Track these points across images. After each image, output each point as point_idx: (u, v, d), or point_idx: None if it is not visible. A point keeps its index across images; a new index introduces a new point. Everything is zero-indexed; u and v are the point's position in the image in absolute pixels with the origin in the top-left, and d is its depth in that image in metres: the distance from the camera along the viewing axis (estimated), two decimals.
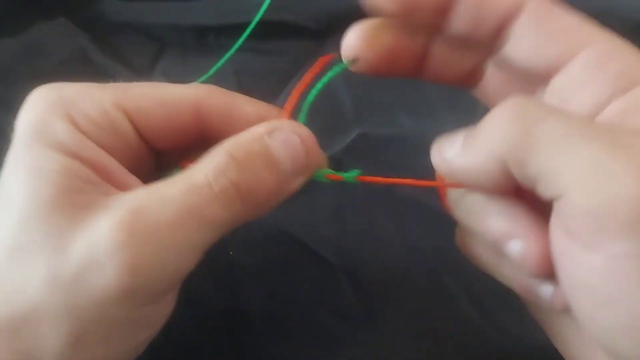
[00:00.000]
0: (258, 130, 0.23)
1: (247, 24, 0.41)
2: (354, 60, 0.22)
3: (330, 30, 0.42)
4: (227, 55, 0.41)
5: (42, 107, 0.23)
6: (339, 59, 0.24)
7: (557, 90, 0.22)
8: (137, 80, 0.41)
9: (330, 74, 0.22)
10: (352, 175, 0.25)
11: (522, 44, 0.22)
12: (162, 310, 0.23)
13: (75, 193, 0.21)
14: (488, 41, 0.23)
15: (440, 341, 0.32)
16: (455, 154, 0.21)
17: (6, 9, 0.43)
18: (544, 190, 0.19)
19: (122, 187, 0.22)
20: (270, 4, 0.42)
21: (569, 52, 0.21)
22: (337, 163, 0.37)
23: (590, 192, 0.17)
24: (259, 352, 0.32)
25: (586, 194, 0.18)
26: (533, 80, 0.23)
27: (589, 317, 0.19)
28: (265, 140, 0.23)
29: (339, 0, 0.42)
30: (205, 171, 0.22)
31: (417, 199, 0.36)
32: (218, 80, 0.41)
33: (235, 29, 0.42)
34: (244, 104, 0.25)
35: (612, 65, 0.21)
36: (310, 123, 0.39)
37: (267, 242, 0.35)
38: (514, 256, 0.21)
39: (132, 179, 0.23)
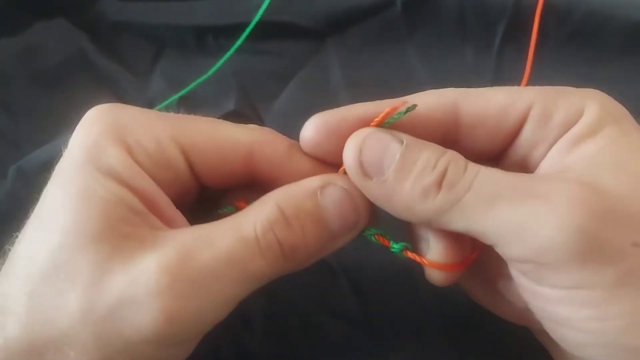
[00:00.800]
0: (311, 184, 0.23)
1: (246, 25, 0.42)
2: (413, 106, 0.23)
3: (329, 31, 0.42)
4: (226, 56, 0.41)
5: (98, 129, 0.22)
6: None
7: (518, 154, 0.24)
8: (137, 82, 0.41)
9: (392, 120, 0.23)
10: (399, 247, 0.25)
11: (475, 138, 0.24)
12: (186, 351, 0.23)
13: (123, 223, 0.21)
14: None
15: (439, 342, 0.32)
16: (378, 173, 0.22)
17: (5, 10, 0.43)
18: (476, 238, 0.21)
19: (168, 222, 0.22)
20: (269, 5, 0.42)
21: (516, 121, 0.23)
22: None
23: (517, 245, 0.20)
24: (258, 354, 0.32)
25: (513, 247, 0.20)
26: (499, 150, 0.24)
27: (556, 337, 0.22)
28: (317, 198, 0.23)
29: (339, 1, 0.42)
30: (254, 224, 0.21)
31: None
32: (217, 80, 0.41)
33: (235, 30, 0.42)
34: (299, 158, 0.25)
35: (555, 116, 0.22)
36: None
37: None
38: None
39: (179, 215, 0.23)
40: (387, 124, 0.23)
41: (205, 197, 0.26)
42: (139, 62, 0.43)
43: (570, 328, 0.20)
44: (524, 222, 0.20)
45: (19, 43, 0.43)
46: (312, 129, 0.24)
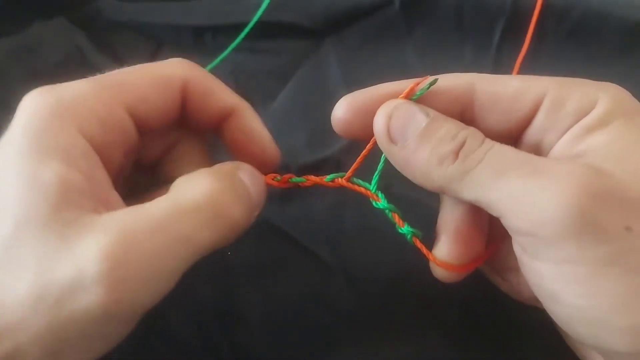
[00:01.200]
0: (231, 165, 0.26)
1: (244, 24, 0.42)
2: (434, 81, 0.25)
3: (327, 29, 0.42)
4: (223, 54, 0.41)
5: (43, 111, 0.23)
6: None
7: (532, 139, 0.25)
8: None
9: (419, 93, 0.25)
10: (409, 231, 0.27)
11: (489, 119, 0.25)
12: (133, 324, 0.23)
13: (68, 207, 0.21)
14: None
15: (436, 339, 0.32)
16: (402, 139, 0.24)
17: (3, 8, 0.43)
18: (485, 208, 0.23)
19: (106, 203, 0.23)
20: (269, 5, 0.42)
21: (530, 106, 0.24)
22: (335, 163, 0.37)
23: (520, 216, 0.21)
24: (254, 352, 0.32)
25: (517, 218, 0.22)
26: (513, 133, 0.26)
27: (552, 314, 0.23)
28: (239, 174, 0.25)
29: (338, 1, 0.42)
30: (194, 196, 0.23)
31: (415, 197, 0.36)
32: None
33: (233, 29, 0.42)
34: (222, 90, 0.27)
35: (568, 105, 0.23)
36: (308, 123, 0.39)
37: (263, 241, 0.35)
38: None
39: (115, 195, 0.24)
40: (414, 98, 0.25)
41: (140, 169, 0.28)
42: (137, 61, 0.42)
43: (561, 304, 0.22)
44: (526, 195, 0.21)
45: (18, 41, 0.42)
46: (343, 108, 0.26)
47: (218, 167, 0.25)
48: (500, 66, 0.40)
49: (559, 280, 0.21)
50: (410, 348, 0.32)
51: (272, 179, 0.29)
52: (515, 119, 0.25)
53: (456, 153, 0.23)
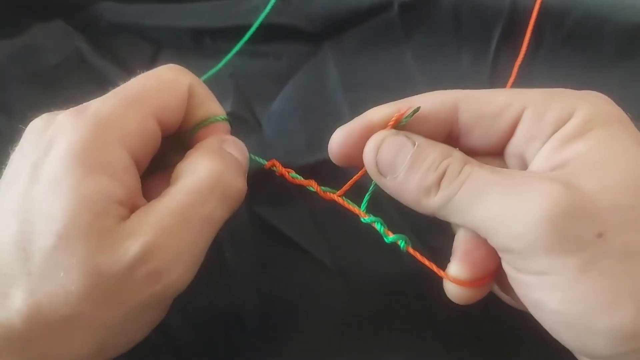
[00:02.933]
0: (216, 141, 0.28)
1: (243, 27, 0.42)
2: (417, 109, 0.26)
3: (326, 33, 0.42)
4: (226, 58, 0.41)
5: (85, 129, 0.24)
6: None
7: (515, 151, 0.26)
8: None
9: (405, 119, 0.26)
10: (396, 238, 0.28)
11: (474, 135, 0.26)
12: (169, 307, 0.27)
13: (108, 217, 0.23)
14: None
15: (434, 343, 0.32)
16: (391, 171, 0.25)
17: (3, 11, 0.43)
18: (474, 230, 0.24)
19: (136, 208, 0.25)
20: (271, 7, 0.42)
21: (512, 120, 0.25)
22: (333, 166, 0.37)
23: (499, 234, 0.23)
24: (252, 354, 0.32)
25: (497, 236, 0.23)
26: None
27: (539, 320, 0.24)
28: (227, 149, 0.28)
29: (335, 4, 0.42)
30: (201, 180, 0.26)
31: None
32: (215, 82, 0.41)
33: (232, 32, 0.42)
34: (212, 100, 0.30)
35: (547, 115, 0.24)
36: (306, 125, 0.39)
37: (260, 243, 0.35)
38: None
39: (143, 199, 0.26)
40: (401, 125, 0.26)
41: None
42: (136, 64, 0.42)
43: (544, 312, 0.23)
44: (502, 214, 0.22)
45: (16, 44, 0.43)
46: (337, 142, 0.27)
47: (206, 146, 0.28)
48: (498, 70, 0.40)
49: (540, 289, 0.22)
50: (407, 353, 0.32)
51: (271, 167, 0.31)
52: (498, 133, 0.26)
53: (438, 183, 0.24)
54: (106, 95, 0.27)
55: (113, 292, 0.23)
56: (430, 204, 0.24)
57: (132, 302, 0.23)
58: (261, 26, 0.42)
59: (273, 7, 0.42)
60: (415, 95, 0.27)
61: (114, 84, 0.41)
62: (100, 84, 0.41)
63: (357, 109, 0.39)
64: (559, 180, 0.22)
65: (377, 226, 0.28)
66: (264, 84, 0.41)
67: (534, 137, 0.25)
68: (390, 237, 0.28)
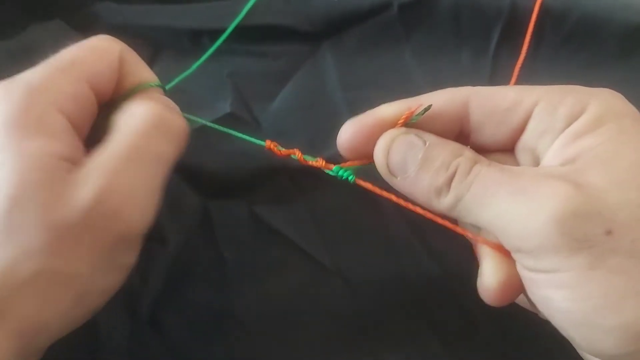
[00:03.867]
0: (147, 92, 0.29)
1: (242, 27, 0.42)
2: (429, 107, 0.26)
3: (325, 33, 0.42)
4: (204, 57, 0.41)
5: (19, 97, 0.25)
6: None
7: (526, 146, 0.26)
8: None
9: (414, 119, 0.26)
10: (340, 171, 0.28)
11: (485, 131, 0.27)
12: (139, 249, 0.27)
13: (58, 171, 0.23)
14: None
15: (432, 343, 0.32)
16: (402, 171, 0.26)
17: (0, 11, 0.43)
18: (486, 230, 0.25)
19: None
20: (266, 8, 0.42)
21: (523, 116, 0.25)
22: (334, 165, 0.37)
23: (509, 235, 0.23)
24: (251, 355, 0.32)
25: (506, 236, 0.23)
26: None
27: (549, 318, 0.24)
28: (159, 95, 0.29)
29: (335, 4, 0.42)
30: (143, 119, 0.26)
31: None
32: (213, 82, 0.41)
33: (231, 32, 0.42)
34: (143, 64, 0.31)
35: (559, 111, 0.24)
36: (306, 126, 0.39)
37: (260, 244, 0.35)
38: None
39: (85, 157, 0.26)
40: (411, 123, 0.26)
41: None
42: None
43: (553, 310, 0.23)
44: (511, 215, 0.23)
45: (14, 44, 0.42)
46: (346, 135, 0.27)
47: (139, 96, 0.28)
48: (498, 70, 0.40)
49: (548, 287, 0.23)
50: (407, 352, 0.32)
51: (275, 147, 0.31)
52: (510, 128, 0.26)
53: (448, 184, 0.24)
54: (37, 66, 0.27)
55: (75, 241, 0.23)
56: (441, 204, 0.25)
57: (97, 247, 0.23)
58: (260, 26, 0.42)
59: (272, 7, 0.42)
60: (426, 94, 0.27)
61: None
62: None
63: (356, 109, 0.39)
64: (568, 178, 0.23)
65: (340, 172, 0.28)
66: (262, 84, 0.41)
67: (545, 132, 0.25)
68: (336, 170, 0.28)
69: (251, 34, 0.42)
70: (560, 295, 0.22)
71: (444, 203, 0.25)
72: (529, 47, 0.39)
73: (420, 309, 0.33)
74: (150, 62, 0.43)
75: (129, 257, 0.26)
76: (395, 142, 0.26)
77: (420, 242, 0.35)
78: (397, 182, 0.26)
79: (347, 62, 0.42)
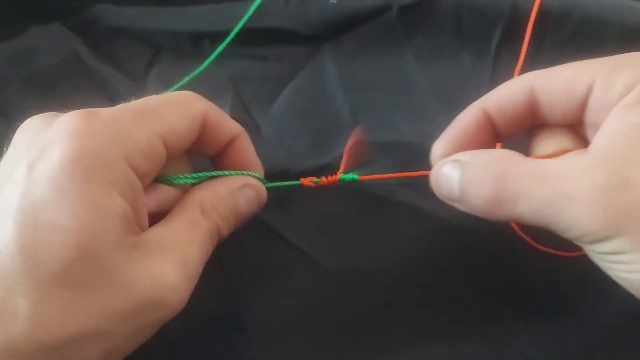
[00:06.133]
0: (234, 185, 0.30)
1: (243, 30, 0.42)
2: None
3: (325, 36, 0.42)
4: (208, 60, 0.41)
5: (92, 136, 0.23)
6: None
7: (590, 120, 0.27)
8: (132, 86, 0.41)
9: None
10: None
11: (552, 112, 0.28)
12: None
13: (128, 234, 0.23)
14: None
15: (435, 347, 0.32)
16: (454, 198, 0.27)
17: (0, 14, 0.43)
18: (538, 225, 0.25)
19: (144, 227, 0.25)
20: (265, 11, 0.42)
21: (584, 92, 0.26)
22: (335, 169, 0.37)
23: (567, 232, 0.24)
24: (252, 358, 0.32)
25: (566, 234, 0.25)
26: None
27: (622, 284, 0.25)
28: (236, 196, 0.29)
29: (335, 7, 0.42)
30: (207, 221, 0.27)
31: (413, 205, 0.36)
32: (213, 86, 0.41)
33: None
34: (229, 120, 0.31)
35: (615, 85, 0.25)
36: (307, 129, 0.39)
37: (261, 247, 0.35)
38: None
39: (146, 219, 0.26)
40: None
41: None
42: (134, 67, 0.43)
43: (634, 289, 0.24)
44: (565, 216, 0.23)
45: (14, 47, 0.42)
46: (439, 153, 0.29)
47: (218, 187, 0.29)
48: (499, 72, 0.40)
49: (613, 262, 0.24)
50: (410, 353, 0.32)
51: (311, 182, 0.32)
52: (574, 105, 0.27)
53: (493, 196, 0.25)
54: (117, 106, 0.26)
55: (121, 319, 0.23)
56: (495, 216, 0.26)
57: (137, 326, 0.24)
58: (260, 29, 0.42)
59: (272, 10, 0.42)
60: (491, 90, 0.29)
61: (111, 87, 0.41)
62: (98, 87, 0.41)
63: (357, 112, 0.39)
64: (603, 162, 0.23)
65: (346, 178, 0.31)
66: (263, 87, 0.41)
67: (603, 107, 0.25)
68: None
69: (251, 37, 0.42)
70: (634, 275, 0.23)
71: (497, 215, 0.26)
72: (530, 48, 0.39)
73: (421, 310, 0.33)
74: (150, 64, 0.43)
75: (158, 327, 0.26)
76: (437, 178, 0.28)
77: (422, 244, 0.35)
78: (458, 207, 0.27)
79: (347, 64, 0.42)
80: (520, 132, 0.30)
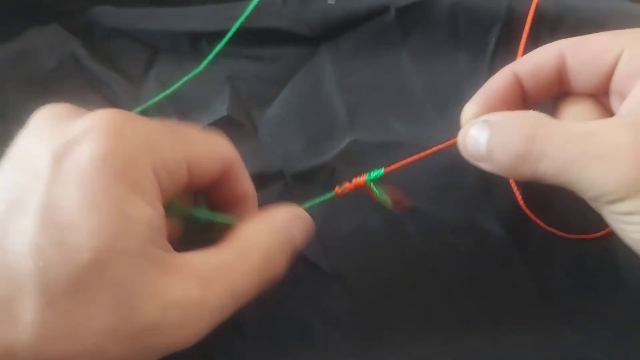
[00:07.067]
0: (285, 217, 0.28)
1: (240, 31, 0.42)
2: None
3: (323, 37, 0.42)
4: (205, 61, 0.41)
5: (129, 141, 0.22)
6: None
7: (616, 89, 0.27)
8: (130, 87, 0.41)
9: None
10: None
11: (580, 78, 0.28)
12: None
13: (150, 246, 0.22)
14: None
15: (433, 348, 0.32)
16: (481, 157, 0.27)
17: None
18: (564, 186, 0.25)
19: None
20: (265, 11, 0.42)
21: (613, 61, 0.27)
22: (330, 171, 0.37)
23: (586, 192, 0.25)
24: None
25: (585, 193, 0.25)
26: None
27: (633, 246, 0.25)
28: (290, 230, 0.28)
29: (333, 8, 0.42)
30: (253, 248, 0.26)
31: (413, 205, 0.36)
32: (211, 86, 0.41)
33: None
34: (247, 178, 0.30)
35: None
36: (303, 130, 0.39)
37: None
38: None
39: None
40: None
41: None
42: (132, 68, 0.43)
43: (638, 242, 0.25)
44: (588, 174, 0.24)
45: (12, 48, 0.42)
46: (470, 114, 0.29)
47: (274, 217, 0.28)
48: (495, 73, 0.40)
49: (630, 224, 0.24)
50: (409, 354, 0.32)
51: (342, 189, 0.31)
52: (602, 72, 0.27)
53: (520, 155, 0.25)
54: (158, 121, 0.25)
55: (139, 336, 0.21)
56: (518, 174, 0.26)
57: (159, 349, 0.23)
58: (258, 30, 0.42)
59: (270, 11, 0.42)
60: (520, 58, 0.31)
61: (110, 89, 0.41)
62: (96, 89, 0.41)
63: (354, 112, 0.39)
64: (631, 125, 0.24)
65: (372, 176, 0.31)
66: (260, 88, 0.41)
67: (631, 75, 0.26)
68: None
69: (249, 38, 0.42)
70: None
71: (522, 174, 0.26)
72: (525, 49, 0.40)
73: (420, 311, 0.33)
74: (148, 65, 0.43)
75: (163, 355, 0.24)
76: (466, 138, 0.27)
77: (421, 245, 0.35)
78: (484, 167, 0.27)
79: (345, 65, 0.42)
80: (548, 97, 0.31)
